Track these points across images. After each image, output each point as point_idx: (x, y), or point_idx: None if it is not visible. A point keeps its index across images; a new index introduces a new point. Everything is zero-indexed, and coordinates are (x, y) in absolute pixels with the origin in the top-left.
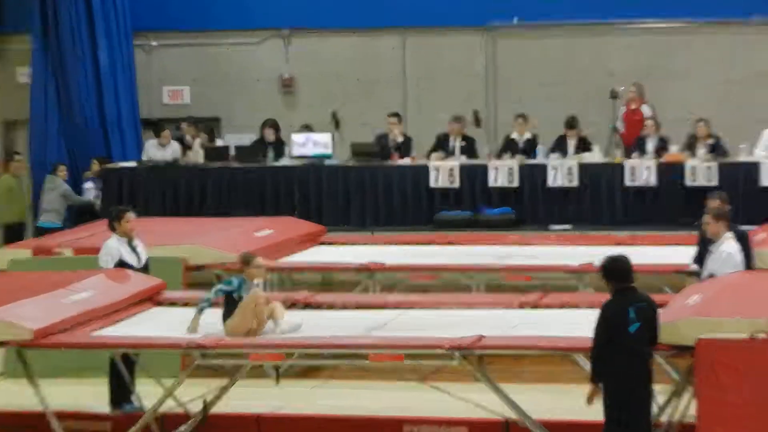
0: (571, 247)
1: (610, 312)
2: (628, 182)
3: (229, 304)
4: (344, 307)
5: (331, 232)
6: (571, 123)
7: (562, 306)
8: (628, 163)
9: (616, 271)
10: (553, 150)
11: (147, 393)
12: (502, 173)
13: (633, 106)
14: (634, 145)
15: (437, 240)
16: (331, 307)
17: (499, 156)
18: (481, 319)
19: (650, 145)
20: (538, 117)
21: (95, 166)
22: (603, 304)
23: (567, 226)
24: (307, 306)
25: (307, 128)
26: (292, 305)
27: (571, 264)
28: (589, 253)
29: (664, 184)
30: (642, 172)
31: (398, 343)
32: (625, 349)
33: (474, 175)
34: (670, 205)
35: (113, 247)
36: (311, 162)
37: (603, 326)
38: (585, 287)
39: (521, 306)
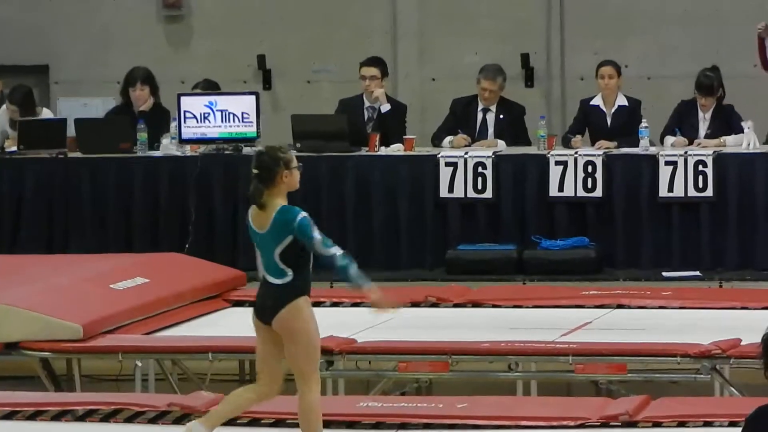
0: (699, 311)
1: (762, 420)
2: None
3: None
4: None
5: (253, 283)
6: (707, 81)
7: None
8: None
9: None
10: (671, 129)
11: None
12: (574, 172)
13: None
14: None
15: (452, 297)
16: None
17: (568, 140)
18: (728, 320)
19: None
20: (642, 68)
21: None
22: (754, 411)
23: (693, 273)
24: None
25: (211, 86)
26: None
27: (702, 344)
28: (735, 321)
29: None
30: None
31: (616, 350)
32: None
33: (522, 176)
34: None
35: None
36: (218, 151)
37: None
38: (726, 389)
39: None
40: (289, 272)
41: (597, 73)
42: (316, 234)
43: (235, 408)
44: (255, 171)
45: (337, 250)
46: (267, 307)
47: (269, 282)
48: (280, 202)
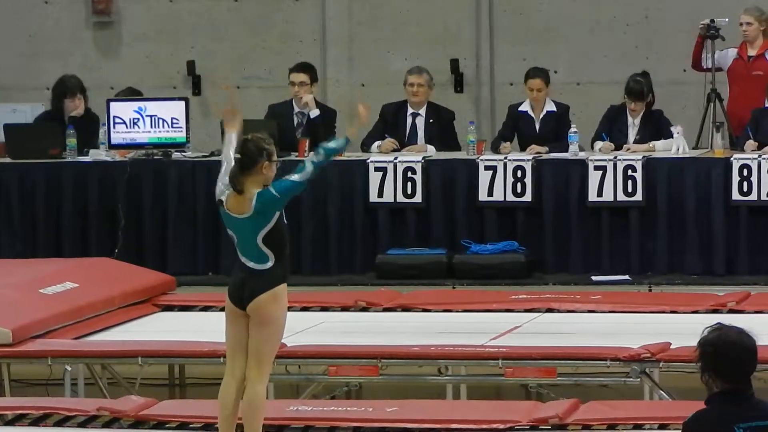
0: (628, 315)
1: (701, 428)
2: (737, 195)
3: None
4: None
5: (183, 287)
6: (637, 86)
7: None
8: (739, 159)
9: (726, 359)
10: (600, 135)
11: None
12: (504, 177)
13: (752, 52)
14: (751, 126)
15: (382, 301)
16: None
17: (497, 145)
18: (657, 324)
19: None
20: (571, 74)
21: None
22: (691, 416)
23: (622, 277)
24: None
25: (134, 94)
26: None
27: (631, 348)
28: (664, 325)
29: None
30: (757, 178)
31: (546, 353)
32: None
33: (451, 181)
34: None
35: None
36: (148, 156)
37: None
38: (655, 393)
39: (716, 308)
40: (271, 257)
41: (525, 82)
42: (293, 177)
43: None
44: (237, 156)
45: (308, 164)
46: (246, 292)
47: (249, 267)
48: (256, 189)
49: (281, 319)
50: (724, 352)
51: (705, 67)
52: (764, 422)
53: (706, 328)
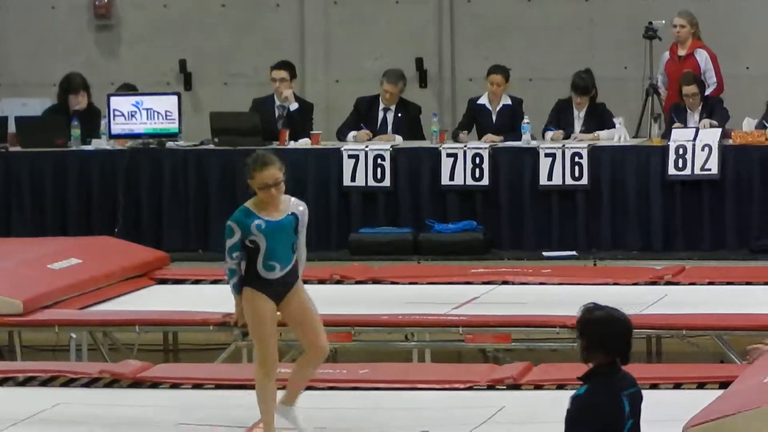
0: (576, 287)
1: (599, 402)
2: (672, 170)
3: (250, 255)
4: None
5: (176, 263)
6: (582, 82)
7: (707, 281)
8: (675, 143)
9: (610, 336)
10: (550, 125)
11: None
12: (464, 164)
13: (682, 52)
14: (672, 114)
15: (355, 275)
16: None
17: (457, 135)
18: (602, 295)
19: (694, 120)
20: (524, 71)
21: None
22: (582, 391)
23: (570, 253)
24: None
25: (129, 89)
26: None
27: (578, 316)
28: (608, 296)
29: (731, 177)
30: (691, 156)
31: (502, 321)
32: None
33: (417, 167)
34: (740, 214)
35: None
36: (144, 145)
37: (586, 426)
38: None
39: (654, 281)
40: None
41: (488, 77)
42: (227, 243)
43: (303, 379)
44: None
45: (225, 267)
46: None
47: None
48: (243, 209)
49: (251, 317)
50: (612, 329)
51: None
52: (635, 388)
53: (582, 307)
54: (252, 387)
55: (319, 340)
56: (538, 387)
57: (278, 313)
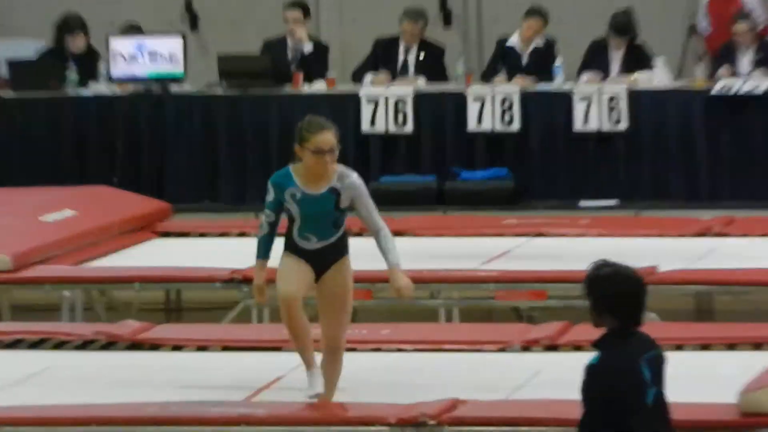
0: (616, 239)
1: (614, 370)
2: (717, 113)
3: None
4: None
5: (180, 214)
6: (620, 23)
7: (760, 233)
8: (720, 86)
9: (619, 296)
10: (585, 68)
11: None
12: (492, 108)
13: None
14: (721, 56)
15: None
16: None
17: (486, 77)
18: (645, 248)
19: (746, 59)
20: (556, 9)
21: None
22: (595, 359)
23: (611, 202)
24: None
25: (136, 29)
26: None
27: None
28: (652, 249)
29: None
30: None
31: (536, 277)
32: None
33: (441, 112)
34: None
35: None
36: (146, 89)
37: (602, 397)
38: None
39: (702, 233)
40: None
41: (524, 20)
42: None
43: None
44: None
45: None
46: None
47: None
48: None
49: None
50: (621, 288)
51: None
52: (656, 351)
53: (592, 265)
54: (263, 348)
55: (330, 331)
56: (577, 348)
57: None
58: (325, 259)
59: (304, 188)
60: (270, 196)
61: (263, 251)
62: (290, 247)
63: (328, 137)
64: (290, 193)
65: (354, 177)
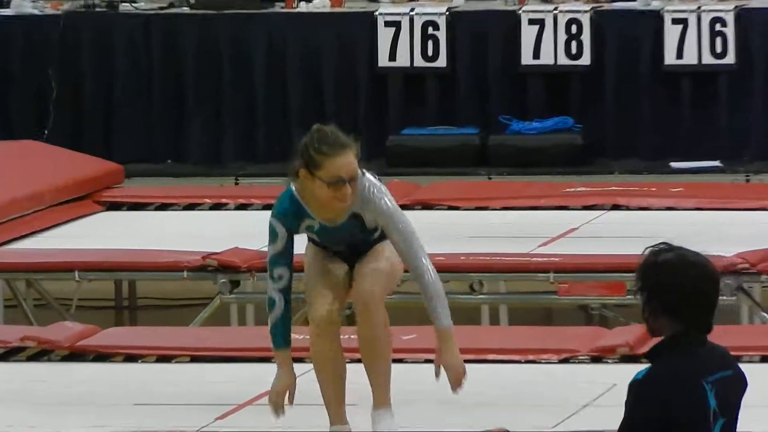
0: (719, 213)
1: (666, 391)
2: None
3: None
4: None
5: (134, 179)
6: None
7: None
8: None
9: (688, 293)
10: None
11: None
12: (554, 34)
13: None
14: None
15: (394, 196)
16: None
17: None
18: (759, 224)
19: None
20: None
21: None
22: (640, 376)
23: (710, 164)
24: None
25: None
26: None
27: (723, 256)
28: (762, 227)
29: None
30: None
31: (611, 264)
32: None
33: (484, 39)
34: None
35: None
36: (86, 7)
37: (648, 426)
38: (756, 315)
39: None
40: None
41: None
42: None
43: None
44: None
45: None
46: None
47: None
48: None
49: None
50: (690, 284)
51: None
52: (731, 371)
53: (648, 249)
54: (245, 359)
55: (358, 283)
56: None
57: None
58: (357, 253)
59: (323, 219)
60: (278, 244)
61: (280, 338)
62: (314, 241)
63: (349, 160)
64: (307, 225)
65: (382, 201)
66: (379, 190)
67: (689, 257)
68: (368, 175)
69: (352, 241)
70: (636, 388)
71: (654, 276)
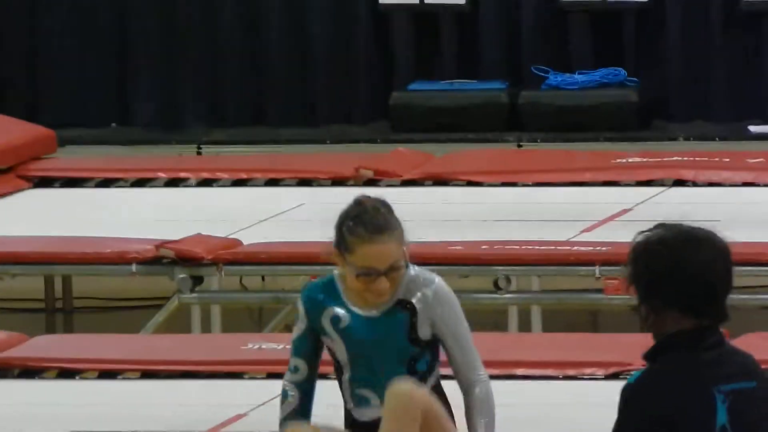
0: None
1: (663, 398)
2: None
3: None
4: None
5: (68, 147)
6: None
7: None
8: None
9: (692, 280)
10: None
11: None
12: None
13: None
14: None
15: (400, 169)
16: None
17: None
18: None
19: None
20: None
21: None
22: (632, 380)
23: None
24: None
25: None
26: None
27: None
28: None
29: None
30: None
31: None
32: None
33: None
34: None
35: None
36: None
37: None
38: None
39: None
40: None
41: None
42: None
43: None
44: None
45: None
46: None
47: None
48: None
49: None
50: (689, 265)
51: None
52: (750, 383)
53: (643, 231)
54: (211, 374)
55: None
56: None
57: None
58: None
59: (357, 308)
60: (299, 327)
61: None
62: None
63: (388, 248)
64: (331, 318)
65: (436, 283)
66: (431, 274)
67: (690, 233)
68: (420, 270)
69: (392, 359)
70: (626, 393)
71: (649, 259)
